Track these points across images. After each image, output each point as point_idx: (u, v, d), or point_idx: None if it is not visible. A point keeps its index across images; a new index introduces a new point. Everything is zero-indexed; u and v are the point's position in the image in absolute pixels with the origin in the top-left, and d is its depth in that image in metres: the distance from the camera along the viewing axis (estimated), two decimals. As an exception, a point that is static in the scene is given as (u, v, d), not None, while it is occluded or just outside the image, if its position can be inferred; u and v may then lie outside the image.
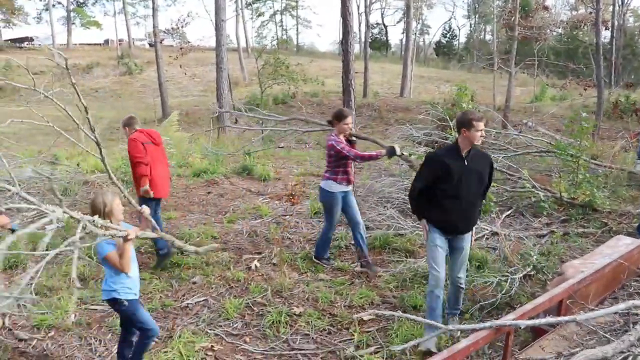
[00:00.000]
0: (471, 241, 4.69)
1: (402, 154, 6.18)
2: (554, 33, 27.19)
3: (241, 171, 11.00)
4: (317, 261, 6.31)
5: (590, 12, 18.91)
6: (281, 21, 58.72)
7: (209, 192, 9.52)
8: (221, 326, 4.91)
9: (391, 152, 5.80)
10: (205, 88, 32.65)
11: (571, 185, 8.57)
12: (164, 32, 22.77)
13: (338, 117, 5.93)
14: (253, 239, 7.13)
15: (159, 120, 20.22)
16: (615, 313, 3.48)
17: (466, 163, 4.41)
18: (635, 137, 13.18)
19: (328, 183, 6.00)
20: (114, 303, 3.83)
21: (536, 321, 3.30)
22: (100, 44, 53.32)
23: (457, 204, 4.39)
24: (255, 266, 6.19)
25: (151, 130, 6.38)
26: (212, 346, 4.56)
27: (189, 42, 22.83)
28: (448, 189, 4.38)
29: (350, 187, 6.16)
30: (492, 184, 8.53)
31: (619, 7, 34.49)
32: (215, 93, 19.25)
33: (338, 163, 5.92)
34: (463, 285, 4.76)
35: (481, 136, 4.38)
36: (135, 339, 4.06)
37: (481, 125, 4.33)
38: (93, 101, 28.28)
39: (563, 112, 20.40)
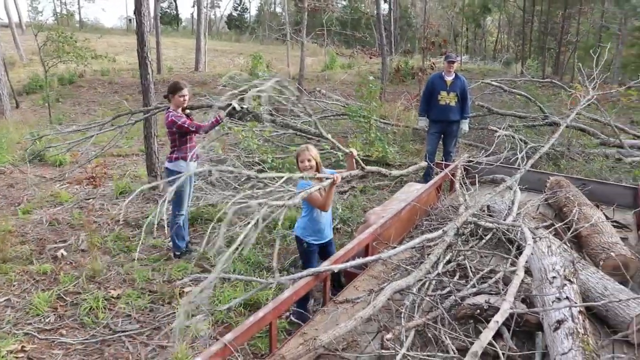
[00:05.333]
0: None
1: (242, 107, 6.00)
2: (340, 5, 28.76)
3: (32, 158, 10.03)
4: (178, 258, 5.79)
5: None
6: (59, -7, 53.58)
7: (-5, 184, 8.57)
8: (31, 324, 4.55)
9: (231, 110, 5.66)
10: (-26, 70, 28.81)
11: (365, 144, 9.33)
12: None
13: (173, 90, 5.56)
14: (55, 228, 6.63)
15: None
16: (413, 248, 3.95)
17: None
18: (415, 98, 14.65)
19: (177, 163, 5.58)
20: (298, 240, 4.38)
21: (347, 264, 3.60)
22: None
23: None
24: (62, 255, 5.79)
25: None
26: (22, 347, 4.21)
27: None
28: None
29: (196, 163, 5.83)
30: (294, 148, 8.97)
31: (393, -20, 37.49)
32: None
33: (183, 139, 5.56)
34: None
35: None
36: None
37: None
38: None
39: (352, 79, 21.82)
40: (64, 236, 6.38)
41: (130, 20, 50.89)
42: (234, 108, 5.64)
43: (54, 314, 4.69)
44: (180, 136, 5.55)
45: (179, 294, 4.92)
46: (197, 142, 5.97)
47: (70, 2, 56.48)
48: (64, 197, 7.70)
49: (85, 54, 17.24)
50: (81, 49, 17.03)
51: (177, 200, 5.71)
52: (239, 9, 60.41)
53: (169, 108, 5.64)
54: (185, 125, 5.46)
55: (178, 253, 5.80)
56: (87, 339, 4.33)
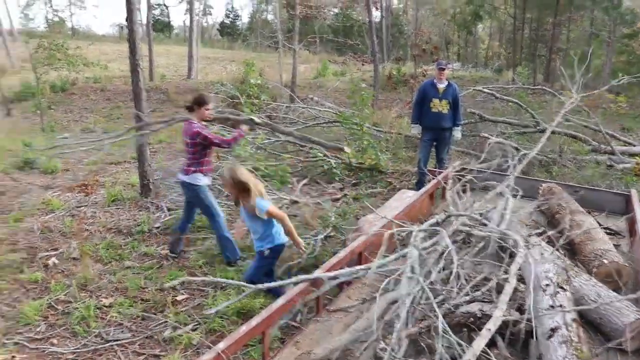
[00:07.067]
0: None
1: (262, 121, 6.07)
2: (332, 12, 28.86)
3: (23, 165, 9.97)
4: (233, 265, 5.66)
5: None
6: (50, 1, 53.41)
7: (-16, 193, 8.49)
8: (21, 333, 4.50)
9: (252, 124, 5.66)
10: (-36, 77, 28.59)
11: (358, 151, 9.34)
12: None
13: (199, 102, 5.48)
14: (47, 236, 6.57)
15: None
16: (404, 256, 3.92)
17: None
18: (408, 105, 14.72)
19: (195, 176, 5.49)
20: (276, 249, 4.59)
21: (338, 272, 3.58)
22: None
23: None
24: (54, 263, 5.74)
25: None
26: (12, 357, 4.17)
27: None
28: None
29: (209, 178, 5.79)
30: (286, 156, 9.00)
31: (384, -12, 37.65)
32: (-22, 82, 16.98)
33: (203, 152, 5.48)
34: None
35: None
36: None
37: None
38: None
39: (345, 86, 21.85)
40: (55, 244, 6.33)
41: (122, 27, 50.71)
42: (254, 122, 5.59)
43: (45, 323, 4.65)
44: (203, 149, 5.48)
45: (172, 302, 4.89)
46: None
47: (62, 10, 56.27)
48: (55, 205, 7.64)
49: (77, 61, 17.17)
50: (73, 56, 16.97)
51: (209, 212, 5.67)
52: (231, 16, 60.55)
53: (189, 119, 5.55)
54: (210, 137, 5.41)
55: (233, 261, 5.70)
56: (78, 349, 4.28)
